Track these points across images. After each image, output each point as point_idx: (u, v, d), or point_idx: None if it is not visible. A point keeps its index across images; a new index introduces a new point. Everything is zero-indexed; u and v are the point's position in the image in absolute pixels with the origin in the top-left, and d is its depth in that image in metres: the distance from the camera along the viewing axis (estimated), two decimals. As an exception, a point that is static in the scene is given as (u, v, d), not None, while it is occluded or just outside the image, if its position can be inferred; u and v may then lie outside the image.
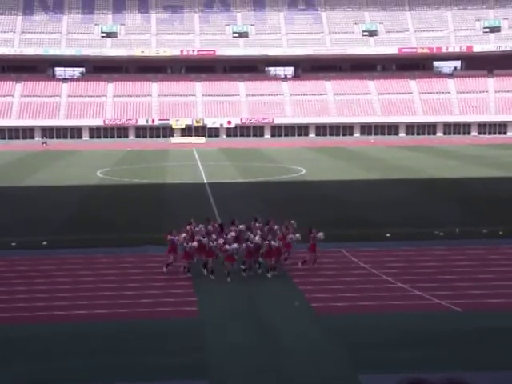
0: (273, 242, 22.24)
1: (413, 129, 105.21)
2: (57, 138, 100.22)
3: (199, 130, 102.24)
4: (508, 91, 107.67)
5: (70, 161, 65.73)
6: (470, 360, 15.14)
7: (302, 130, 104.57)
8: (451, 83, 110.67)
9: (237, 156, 69.55)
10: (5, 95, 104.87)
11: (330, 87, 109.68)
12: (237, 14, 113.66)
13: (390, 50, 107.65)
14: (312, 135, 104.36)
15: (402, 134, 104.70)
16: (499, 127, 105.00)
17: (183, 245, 22.46)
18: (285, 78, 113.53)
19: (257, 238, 22.55)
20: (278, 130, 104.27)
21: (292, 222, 24.46)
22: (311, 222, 27.54)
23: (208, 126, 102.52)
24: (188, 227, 23.84)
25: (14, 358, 15.56)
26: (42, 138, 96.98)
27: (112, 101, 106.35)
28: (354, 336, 16.66)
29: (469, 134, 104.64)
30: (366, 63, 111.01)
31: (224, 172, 53.99)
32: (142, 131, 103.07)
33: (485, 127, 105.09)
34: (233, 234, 23.11)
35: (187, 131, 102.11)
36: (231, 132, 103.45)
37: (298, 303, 19.33)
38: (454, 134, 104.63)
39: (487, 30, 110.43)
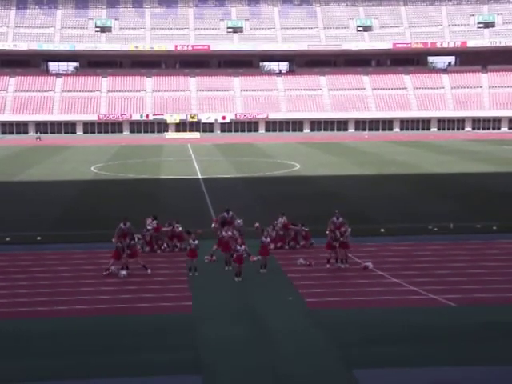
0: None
1: (407, 124, 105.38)
2: (51, 132, 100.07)
3: (194, 125, 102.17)
4: (502, 87, 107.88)
5: (64, 156, 65.60)
6: (464, 355, 15.17)
7: (296, 125, 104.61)
8: (445, 78, 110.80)
9: (231, 151, 69.52)
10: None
11: (324, 82, 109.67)
12: (231, 8, 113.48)
13: (385, 45, 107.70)
14: (306, 130, 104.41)
15: (396, 130, 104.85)
16: (493, 122, 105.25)
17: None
18: (279, 73, 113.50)
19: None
20: (273, 125, 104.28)
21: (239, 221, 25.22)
22: (305, 217, 27.58)
23: (202, 121, 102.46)
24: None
25: (5, 354, 15.52)
26: (36, 132, 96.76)
27: (106, 96, 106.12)
28: (349, 331, 16.67)
29: (463, 129, 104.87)
30: (360, 58, 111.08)
31: (218, 167, 53.97)
32: (137, 126, 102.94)
33: (479, 122, 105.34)
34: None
35: (182, 126, 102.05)
36: (226, 127, 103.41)
37: (291, 298, 19.33)
38: (448, 129, 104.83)
39: (481, 25, 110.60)
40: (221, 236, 23.72)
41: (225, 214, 25.92)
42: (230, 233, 23.47)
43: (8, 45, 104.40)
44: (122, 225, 23.13)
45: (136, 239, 23.23)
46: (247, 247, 22.78)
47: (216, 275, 21.89)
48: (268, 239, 23.07)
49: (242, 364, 14.74)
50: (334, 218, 23.69)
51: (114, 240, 22.65)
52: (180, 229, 25.44)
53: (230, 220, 25.51)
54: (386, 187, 41.94)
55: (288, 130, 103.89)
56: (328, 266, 22.75)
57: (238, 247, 21.63)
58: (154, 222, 25.75)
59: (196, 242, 22.27)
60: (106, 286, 20.91)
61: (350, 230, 23.12)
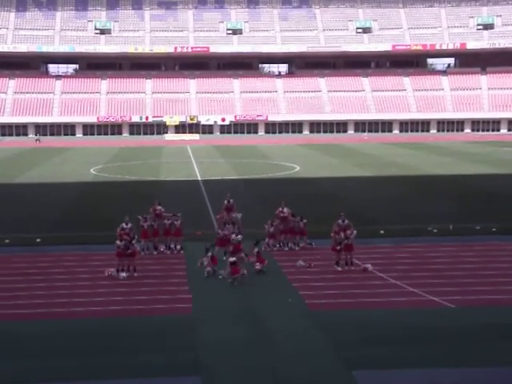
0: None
1: (406, 126, 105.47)
2: (50, 134, 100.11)
3: (193, 127, 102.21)
4: (501, 88, 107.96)
5: (64, 158, 65.62)
6: (464, 356, 15.17)
7: (296, 126, 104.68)
8: (445, 80, 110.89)
9: (231, 153, 69.55)
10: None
11: (323, 84, 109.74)
12: (231, 10, 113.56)
13: (384, 46, 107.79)
14: (306, 132, 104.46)
15: (395, 131, 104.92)
16: (492, 124, 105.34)
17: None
18: (279, 75, 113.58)
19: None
20: (272, 127, 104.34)
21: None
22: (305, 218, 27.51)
23: (202, 123, 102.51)
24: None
25: (3, 356, 15.50)
26: (36, 134, 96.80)
27: (106, 98, 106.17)
28: (348, 332, 16.66)
29: (462, 131, 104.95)
30: (359, 60, 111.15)
31: (218, 169, 53.97)
32: (136, 128, 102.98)
33: (478, 124, 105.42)
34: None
35: (181, 128, 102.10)
36: (225, 129, 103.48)
37: (291, 300, 19.33)
38: (448, 131, 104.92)
39: (481, 27, 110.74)
40: (222, 235, 23.80)
41: (225, 202, 27.26)
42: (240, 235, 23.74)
43: (8, 47, 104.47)
44: (123, 225, 23.31)
45: (132, 235, 23.37)
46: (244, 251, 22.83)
47: (216, 276, 21.86)
48: (262, 248, 22.94)
49: (242, 365, 14.73)
50: (340, 221, 23.68)
51: (117, 240, 22.72)
52: (179, 221, 25.42)
53: (231, 207, 27.04)
54: (385, 189, 41.96)
55: (287, 132, 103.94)
56: (339, 268, 22.68)
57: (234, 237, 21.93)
58: (159, 207, 26.18)
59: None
60: (105, 287, 20.89)
61: (355, 232, 23.05)
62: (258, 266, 22.25)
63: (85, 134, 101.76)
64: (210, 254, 22.30)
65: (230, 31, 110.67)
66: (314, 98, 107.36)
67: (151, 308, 18.82)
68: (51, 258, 24.75)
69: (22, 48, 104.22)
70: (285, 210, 26.15)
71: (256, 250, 22.74)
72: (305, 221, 25.73)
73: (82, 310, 18.71)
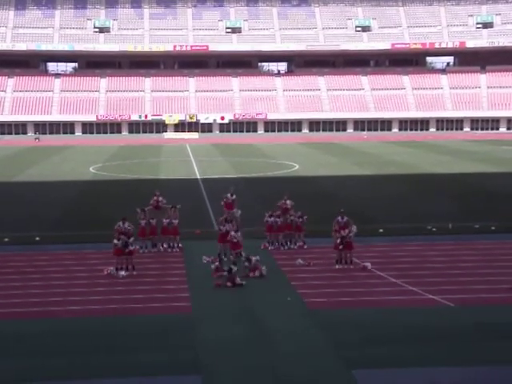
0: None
1: (406, 124, 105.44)
2: (49, 133, 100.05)
3: (192, 126, 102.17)
4: (500, 87, 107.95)
5: (63, 156, 65.58)
6: (463, 355, 15.18)
7: (295, 125, 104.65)
8: (444, 79, 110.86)
9: (230, 151, 69.53)
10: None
11: (323, 83, 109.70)
12: (230, 9, 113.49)
13: (383, 45, 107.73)
14: (305, 131, 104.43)
15: (394, 130, 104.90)
16: (492, 123, 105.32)
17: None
18: (278, 74, 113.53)
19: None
20: (272, 126, 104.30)
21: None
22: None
23: (201, 122, 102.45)
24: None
25: (4, 354, 15.49)
26: (35, 133, 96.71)
27: (105, 96, 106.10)
28: (348, 331, 16.66)
29: (461, 129, 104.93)
30: (359, 59, 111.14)
31: (217, 167, 53.96)
32: (135, 127, 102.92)
33: (477, 123, 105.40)
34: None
35: (180, 127, 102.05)
36: (224, 127, 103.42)
37: (290, 299, 19.32)
38: (447, 129, 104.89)
39: (480, 25, 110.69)
40: (224, 231, 23.78)
41: (228, 195, 27.48)
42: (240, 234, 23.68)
43: (7, 45, 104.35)
44: (120, 223, 23.24)
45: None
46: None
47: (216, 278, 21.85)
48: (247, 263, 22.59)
49: (242, 364, 14.73)
50: (339, 218, 23.60)
51: (114, 239, 22.73)
52: (177, 220, 25.35)
53: (232, 203, 27.09)
54: (385, 187, 41.96)
55: (287, 131, 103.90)
56: (337, 266, 22.66)
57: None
58: (160, 198, 26.59)
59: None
60: (104, 286, 20.89)
61: (354, 229, 22.85)
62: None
63: (84, 132, 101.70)
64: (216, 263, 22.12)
65: (229, 30, 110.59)
66: (314, 97, 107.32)
67: (150, 307, 18.81)
68: (50, 257, 24.74)
69: (21, 46, 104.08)
70: (287, 202, 26.25)
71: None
72: (305, 217, 25.62)
73: (79, 308, 18.71)
